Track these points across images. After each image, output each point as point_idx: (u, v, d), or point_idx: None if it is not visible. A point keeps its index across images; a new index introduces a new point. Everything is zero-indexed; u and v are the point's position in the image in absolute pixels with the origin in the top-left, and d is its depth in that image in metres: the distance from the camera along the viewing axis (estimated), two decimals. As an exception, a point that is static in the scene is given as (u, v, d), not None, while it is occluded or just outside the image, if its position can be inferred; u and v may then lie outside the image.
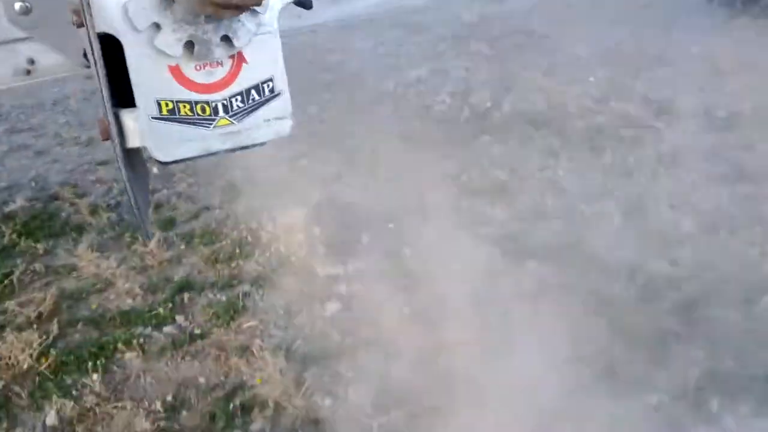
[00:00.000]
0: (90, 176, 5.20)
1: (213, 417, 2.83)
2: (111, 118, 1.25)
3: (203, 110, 1.34)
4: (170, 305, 3.62)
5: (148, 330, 3.45)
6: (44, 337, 3.38)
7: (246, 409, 2.86)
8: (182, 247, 4.19)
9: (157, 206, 4.64)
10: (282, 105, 1.42)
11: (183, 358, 3.24)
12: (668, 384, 2.79)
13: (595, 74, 5.74)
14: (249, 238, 4.13)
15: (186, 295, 3.70)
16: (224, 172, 4.73)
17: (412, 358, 3.05)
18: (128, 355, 3.28)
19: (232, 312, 3.51)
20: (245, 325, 3.43)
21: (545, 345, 3.09)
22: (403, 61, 6.56)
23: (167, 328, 3.46)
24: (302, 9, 1.56)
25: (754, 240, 3.59)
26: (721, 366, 2.84)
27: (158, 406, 2.92)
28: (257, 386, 2.94)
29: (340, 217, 4.08)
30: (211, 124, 1.35)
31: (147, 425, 2.81)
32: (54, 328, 3.46)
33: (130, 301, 3.71)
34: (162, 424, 2.82)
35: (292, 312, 3.46)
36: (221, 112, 1.35)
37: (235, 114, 1.37)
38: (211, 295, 3.69)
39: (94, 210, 4.60)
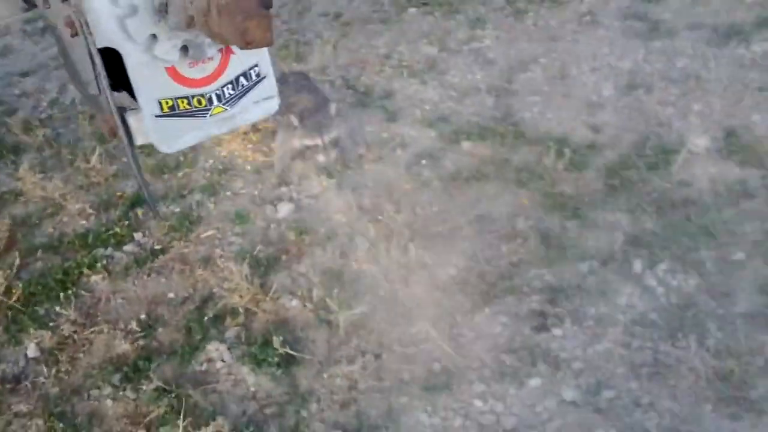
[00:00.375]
0: (14, 90, 5.06)
1: (189, 330, 3.05)
2: (119, 122, 1.36)
3: (199, 102, 1.46)
4: (126, 222, 3.73)
5: (109, 250, 3.58)
6: (8, 270, 3.48)
7: (219, 318, 3.08)
8: (125, 159, 4.22)
9: (93, 115, 4.60)
10: (268, 86, 1.55)
11: (149, 275, 3.41)
12: (597, 249, 3.11)
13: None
14: (190, 144, 4.18)
15: (139, 211, 3.80)
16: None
17: (365, 250, 3.29)
18: (94, 278, 3.42)
19: (188, 223, 3.64)
20: (203, 235, 3.59)
21: (484, 222, 3.36)
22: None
23: (127, 247, 3.59)
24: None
25: (667, 99, 3.83)
26: (642, 228, 3.17)
27: (134, 325, 3.12)
28: (226, 295, 3.15)
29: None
30: (207, 113, 1.48)
31: (127, 346, 3.02)
32: (15, 260, 3.55)
33: (84, 222, 3.80)
34: (141, 343, 3.03)
35: (246, 217, 3.62)
36: (215, 102, 1.49)
37: (228, 101, 1.50)
38: (164, 208, 3.80)
39: (27, 127, 4.54)
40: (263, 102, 1.55)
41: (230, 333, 3.02)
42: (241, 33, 1.21)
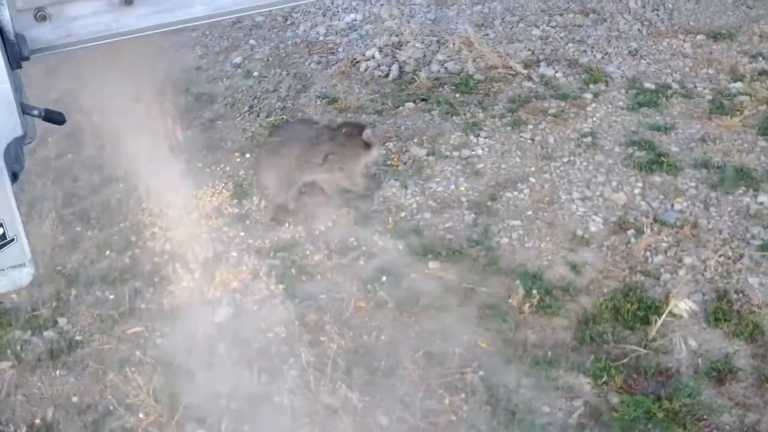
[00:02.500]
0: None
1: (80, 447, 2.72)
2: None
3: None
4: (55, 304, 3.45)
5: (27, 334, 3.29)
6: None
7: (115, 438, 2.74)
8: (78, 228, 3.97)
9: (57, 177, 4.37)
10: (18, 252, 1.24)
11: (60, 370, 3.10)
12: (551, 419, 2.73)
13: (530, 32, 5.46)
14: (148, 222, 3.91)
15: (73, 291, 3.52)
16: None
17: (294, 377, 2.95)
18: (2, 364, 3.12)
19: (117, 315, 3.35)
20: (130, 332, 3.28)
21: (432, 363, 3.01)
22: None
23: (48, 333, 3.30)
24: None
25: (659, 245, 3.49)
26: (605, 402, 2.79)
27: (23, 431, 2.79)
28: (130, 411, 2.82)
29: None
30: None
31: (9, 456, 2.69)
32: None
33: (14, 296, 3.51)
34: (25, 453, 2.71)
35: (181, 317, 3.31)
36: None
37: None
38: (99, 293, 3.51)
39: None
40: (10, 271, 1.23)
41: (121, 459, 2.68)
42: None
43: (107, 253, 3.75)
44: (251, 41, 5.84)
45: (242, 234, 3.77)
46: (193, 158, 4.41)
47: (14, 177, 1.32)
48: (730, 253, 3.39)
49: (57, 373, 3.10)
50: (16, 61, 1.41)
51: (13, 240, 1.23)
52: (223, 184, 4.15)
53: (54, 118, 1.38)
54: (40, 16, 2.50)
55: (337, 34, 5.82)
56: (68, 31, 2.62)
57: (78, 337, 3.26)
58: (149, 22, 2.77)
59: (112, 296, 3.48)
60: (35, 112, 1.36)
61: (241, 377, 2.97)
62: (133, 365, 3.06)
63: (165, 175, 3.87)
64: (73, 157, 4.45)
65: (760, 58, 4.87)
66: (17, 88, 1.38)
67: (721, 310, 3.12)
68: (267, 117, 4.82)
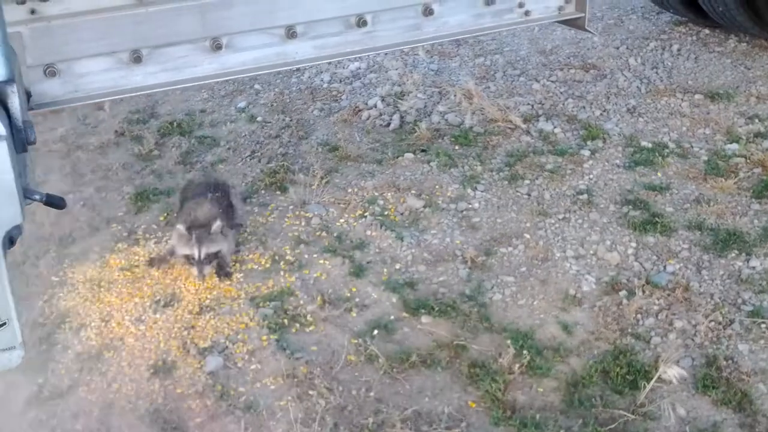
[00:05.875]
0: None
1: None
2: None
3: None
4: None
5: None
6: None
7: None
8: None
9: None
10: (9, 335, 1.27)
11: None
12: None
13: (530, 86, 5.54)
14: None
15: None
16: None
17: (282, 432, 2.95)
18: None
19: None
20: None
21: (420, 423, 3.01)
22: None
23: None
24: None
25: (650, 308, 3.50)
26: None
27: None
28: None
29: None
30: None
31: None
32: None
33: None
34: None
35: (174, 365, 3.32)
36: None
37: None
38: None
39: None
40: (0, 354, 1.26)
41: None
42: None
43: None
44: (256, 86, 5.94)
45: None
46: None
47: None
48: (721, 318, 3.40)
49: None
50: (22, 146, 1.46)
51: (5, 324, 1.27)
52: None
53: (55, 202, 1.43)
54: (50, 72, 2.58)
55: (341, 82, 5.92)
56: (76, 87, 2.69)
57: None
58: (157, 80, 2.84)
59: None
60: (36, 197, 1.41)
61: (227, 428, 2.97)
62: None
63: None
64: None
65: (756, 120, 4.94)
66: (20, 173, 1.42)
67: (710, 377, 3.12)
68: (268, 163, 4.88)
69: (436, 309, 3.58)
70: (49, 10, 2.51)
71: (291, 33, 2.98)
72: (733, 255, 3.80)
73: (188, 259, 3.73)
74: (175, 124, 5.40)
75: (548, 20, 3.71)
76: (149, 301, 3.70)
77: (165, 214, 4.36)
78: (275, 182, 4.65)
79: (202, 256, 3.67)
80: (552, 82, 5.56)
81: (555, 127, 4.97)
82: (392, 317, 3.57)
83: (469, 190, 4.44)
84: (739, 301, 3.51)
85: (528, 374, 3.20)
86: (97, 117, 5.56)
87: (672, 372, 2.99)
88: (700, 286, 3.61)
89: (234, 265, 3.91)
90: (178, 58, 2.85)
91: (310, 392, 3.15)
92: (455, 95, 5.39)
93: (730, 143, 4.71)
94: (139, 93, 2.70)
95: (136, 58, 2.67)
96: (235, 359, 3.35)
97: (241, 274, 3.87)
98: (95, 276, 3.83)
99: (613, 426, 2.93)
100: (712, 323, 3.37)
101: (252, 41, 2.96)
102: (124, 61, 2.71)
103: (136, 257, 4.01)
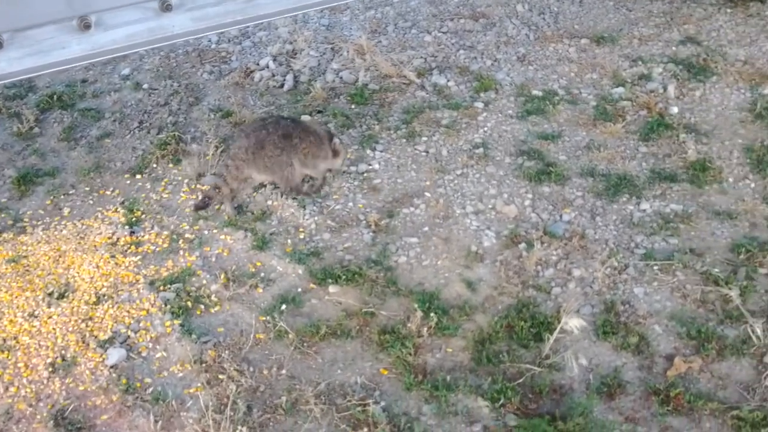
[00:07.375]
0: None
1: None
2: None
3: None
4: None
5: None
6: None
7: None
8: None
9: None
10: None
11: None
12: None
13: (422, 39, 5.49)
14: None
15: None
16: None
17: (194, 421, 2.89)
18: None
19: None
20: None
21: (334, 396, 3.02)
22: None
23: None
24: None
25: (549, 258, 3.60)
26: (503, 425, 2.86)
27: None
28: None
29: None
30: None
31: None
32: None
33: None
34: None
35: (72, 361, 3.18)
36: None
37: None
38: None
39: None
40: None
41: None
42: None
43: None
44: (140, 50, 5.62)
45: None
46: (79, 182, 4.24)
47: None
48: (616, 264, 3.53)
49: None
50: None
51: None
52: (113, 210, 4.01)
53: None
54: None
55: (229, 41, 5.69)
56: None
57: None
58: (22, 66, 2.63)
59: (-5, 342, 3.30)
60: None
61: (136, 421, 2.89)
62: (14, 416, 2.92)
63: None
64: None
65: (640, 62, 5.08)
66: None
67: (609, 323, 3.25)
68: (158, 133, 4.67)
69: (343, 277, 3.56)
70: None
71: (166, 6, 2.81)
72: (624, 199, 3.94)
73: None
74: (55, 97, 5.05)
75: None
76: (42, 293, 3.51)
77: (52, 198, 4.12)
78: (167, 154, 4.46)
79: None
80: (443, 33, 5.53)
81: (448, 81, 4.97)
82: (299, 289, 3.53)
83: (368, 151, 4.40)
84: (632, 245, 3.66)
85: (437, 336, 3.24)
86: (-34, 95, 5.15)
87: (573, 323, 3.10)
88: (595, 233, 3.73)
89: (129, 248, 3.75)
90: (44, 40, 2.65)
91: (220, 376, 3.10)
92: (348, 51, 5.28)
93: (617, 87, 4.84)
94: (3, 81, 2.48)
95: (-2, 43, 2.44)
96: (139, 349, 3.24)
97: (138, 257, 3.71)
98: (-21, 272, 3.60)
99: (521, 380, 3.03)
100: (608, 269, 3.50)
101: (124, 17, 2.78)
102: (-10, 43, 2.47)
103: (24, 247, 3.78)
